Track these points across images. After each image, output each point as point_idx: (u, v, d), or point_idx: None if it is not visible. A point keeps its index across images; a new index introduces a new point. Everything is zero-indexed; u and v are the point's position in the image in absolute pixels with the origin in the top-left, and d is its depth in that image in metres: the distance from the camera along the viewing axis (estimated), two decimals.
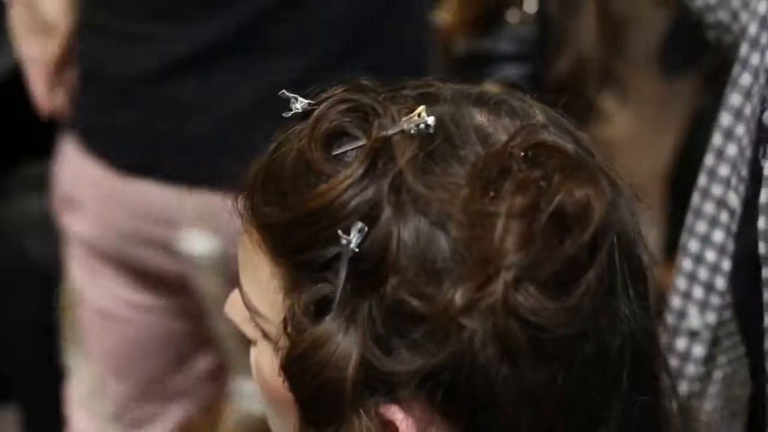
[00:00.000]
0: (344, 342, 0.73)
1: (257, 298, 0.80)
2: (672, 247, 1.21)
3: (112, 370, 1.83)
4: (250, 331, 0.83)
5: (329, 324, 0.74)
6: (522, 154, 0.74)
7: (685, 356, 1.10)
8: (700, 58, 2.15)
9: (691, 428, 0.90)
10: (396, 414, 0.75)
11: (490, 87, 0.84)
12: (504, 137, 0.75)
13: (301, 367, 0.75)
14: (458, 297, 0.70)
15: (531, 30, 1.90)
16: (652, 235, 0.83)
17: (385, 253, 0.72)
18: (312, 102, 0.81)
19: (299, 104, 0.81)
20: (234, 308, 0.85)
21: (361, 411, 0.74)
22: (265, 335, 0.81)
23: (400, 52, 1.59)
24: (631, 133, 2.02)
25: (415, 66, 1.58)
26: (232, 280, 1.64)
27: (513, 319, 0.70)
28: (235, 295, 0.85)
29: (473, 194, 0.72)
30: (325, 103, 0.79)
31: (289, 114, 0.81)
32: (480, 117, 0.78)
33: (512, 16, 1.91)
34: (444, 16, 1.99)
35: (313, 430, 0.77)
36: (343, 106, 0.78)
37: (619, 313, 0.76)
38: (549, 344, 0.72)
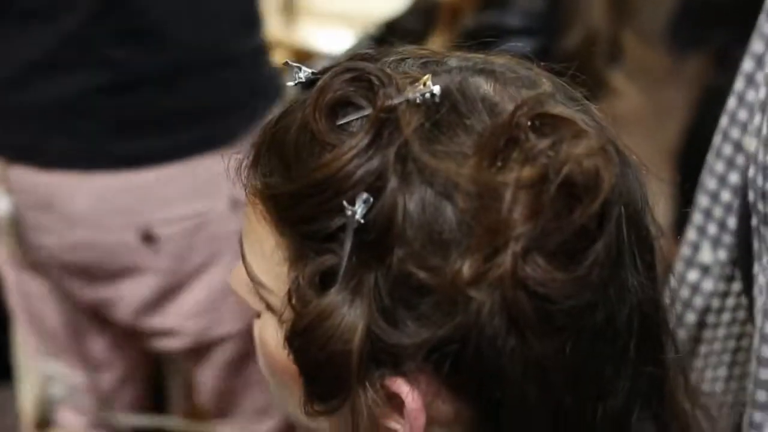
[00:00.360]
0: (350, 314, 0.72)
1: (261, 270, 0.79)
2: (680, 224, 1.21)
3: (23, 322, 1.85)
4: (253, 302, 0.82)
5: (334, 296, 0.73)
6: (529, 123, 0.72)
7: (695, 288, 1.13)
8: (711, 35, 2.14)
9: (699, 403, 0.89)
10: (402, 387, 0.74)
11: (497, 57, 0.82)
12: (510, 106, 0.74)
13: (306, 339, 0.74)
14: (466, 268, 0.69)
15: (539, 4, 1.88)
16: (660, 209, 0.82)
17: (390, 223, 0.71)
18: (315, 71, 0.80)
19: (302, 74, 0.80)
20: (237, 279, 0.84)
21: (367, 384, 0.74)
22: (269, 307, 0.80)
23: (162, 35, 1.57)
24: (639, 108, 2.00)
25: (190, 53, 1.58)
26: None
27: (521, 291, 0.69)
28: (238, 266, 0.84)
29: (480, 164, 0.71)
30: (329, 73, 0.78)
31: (293, 83, 0.80)
32: (486, 86, 0.77)
33: None
34: None
35: (317, 403, 0.77)
36: (348, 76, 0.76)
37: (626, 283, 0.75)
38: (557, 315, 0.71)
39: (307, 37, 3.41)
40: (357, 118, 0.75)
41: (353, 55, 0.81)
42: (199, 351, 1.76)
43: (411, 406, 0.74)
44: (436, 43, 1.99)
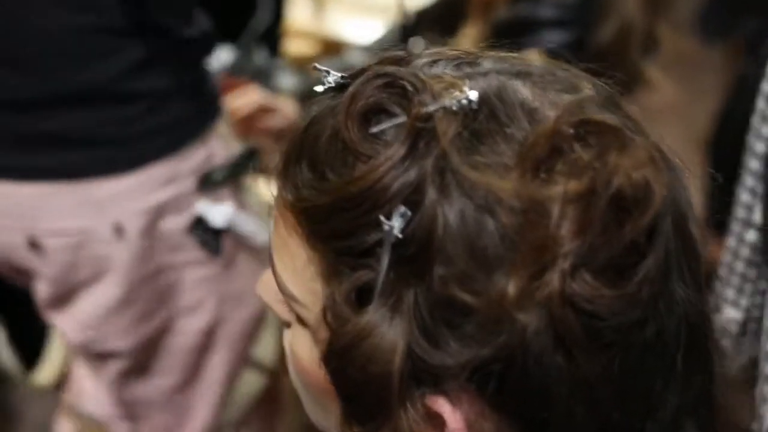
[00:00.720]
0: (389, 333, 0.69)
1: (293, 284, 0.76)
2: (710, 217, 1.20)
3: None
4: (282, 312, 0.80)
5: (372, 314, 0.70)
6: (572, 131, 0.69)
7: (754, 248, 1.16)
8: (741, 23, 2.12)
9: (744, 413, 0.87)
10: (444, 406, 0.71)
11: (533, 56, 0.79)
12: (551, 112, 0.71)
13: (345, 360, 0.72)
14: (511, 288, 0.66)
15: None
16: (694, 203, 0.79)
17: (430, 237, 0.68)
18: (345, 75, 0.77)
19: (332, 78, 0.77)
20: (266, 289, 0.81)
21: (408, 404, 0.71)
22: (300, 320, 0.77)
23: (42, 67, 1.59)
24: (674, 100, 1.99)
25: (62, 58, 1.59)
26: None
27: (568, 309, 0.66)
28: (267, 275, 0.81)
29: (524, 177, 0.67)
30: (360, 78, 0.74)
31: (321, 88, 0.77)
32: (525, 90, 0.73)
33: None
34: None
35: (356, 424, 0.74)
36: (380, 81, 0.73)
37: (675, 296, 0.72)
38: (605, 332, 0.68)
39: (336, 27, 3.39)
40: (390, 126, 0.71)
41: (384, 59, 0.77)
42: (93, 361, 1.78)
43: (453, 425, 0.71)
44: (467, 35, 1.96)
